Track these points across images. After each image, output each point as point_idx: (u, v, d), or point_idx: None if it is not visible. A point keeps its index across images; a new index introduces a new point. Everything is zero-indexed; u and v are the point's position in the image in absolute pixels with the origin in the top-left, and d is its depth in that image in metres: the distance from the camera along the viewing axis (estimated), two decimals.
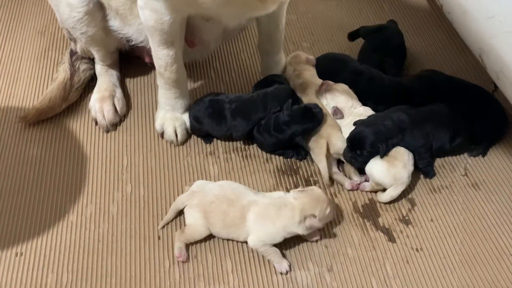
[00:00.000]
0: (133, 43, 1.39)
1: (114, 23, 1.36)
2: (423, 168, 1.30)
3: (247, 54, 1.65)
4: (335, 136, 1.28)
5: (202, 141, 1.38)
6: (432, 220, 1.23)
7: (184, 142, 1.38)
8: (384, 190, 1.25)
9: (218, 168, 1.33)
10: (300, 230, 1.11)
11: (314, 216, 1.11)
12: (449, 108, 1.33)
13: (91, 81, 1.52)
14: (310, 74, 1.41)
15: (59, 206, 1.24)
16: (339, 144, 1.27)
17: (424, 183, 1.30)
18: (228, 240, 1.17)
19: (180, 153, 1.37)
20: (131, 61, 1.57)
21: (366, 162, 1.25)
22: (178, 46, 1.24)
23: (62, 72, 1.48)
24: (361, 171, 1.29)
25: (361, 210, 1.24)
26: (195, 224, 1.15)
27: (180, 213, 1.20)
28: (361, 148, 1.24)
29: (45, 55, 1.63)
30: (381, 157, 1.24)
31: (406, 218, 1.23)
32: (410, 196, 1.27)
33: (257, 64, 1.60)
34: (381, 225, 1.21)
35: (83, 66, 1.51)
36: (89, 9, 1.30)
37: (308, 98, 1.35)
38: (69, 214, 1.23)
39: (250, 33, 1.70)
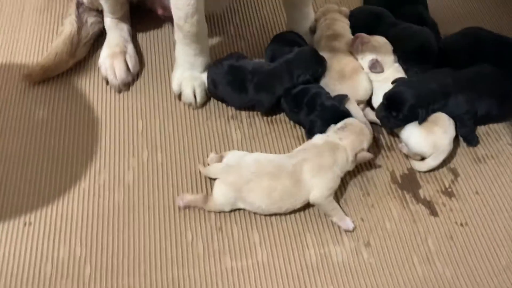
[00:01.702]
0: None
1: None
2: (465, 136, 1.18)
3: (270, 9, 1.50)
4: (360, 78, 1.18)
5: (223, 104, 1.27)
6: (477, 193, 1.12)
7: (203, 104, 1.26)
8: (423, 158, 1.14)
9: (241, 134, 1.22)
10: (351, 167, 1.09)
11: (364, 149, 1.09)
12: (496, 69, 1.20)
13: (101, 36, 1.39)
14: (342, 26, 1.28)
15: (69, 172, 1.14)
16: (364, 85, 1.18)
17: (468, 152, 1.19)
18: (271, 215, 1.07)
19: (199, 116, 1.25)
20: (143, 14, 1.43)
21: (399, 125, 1.15)
22: None
23: (69, 25, 1.34)
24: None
25: (400, 181, 1.14)
26: (224, 202, 1.05)
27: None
28: (398, 109, 1.12)
29: (49, 7, 1.49)
30: (420, 123, 1.13)
31: (449, 190, 1.12)
32: (452, 166, 1.16)
33: (281, 20, 1.46)
34: (422, 197, 1.11)
35: (91, 19, 1.37)
36: None
37: (336, 52, 1.23)
38: (81, 181, 1.12)
39: None
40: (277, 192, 1.04)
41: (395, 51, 1.22)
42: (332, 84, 1.21)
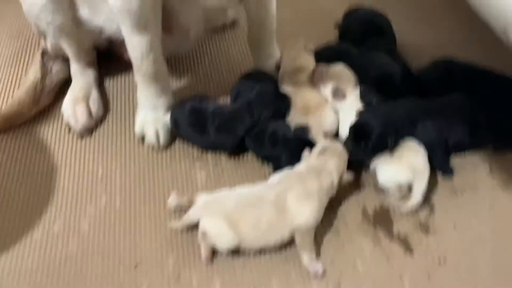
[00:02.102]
0: (106, 34, 1.23)
1: (84, 11, 1.22)
2: (438, 166, 1.12)
3: (238, 49, 1.49)
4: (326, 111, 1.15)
5: (188, 144, 1.22)
6: (455, 227, 1.05)
7: (167, 145, 1.22)
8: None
9: (206, 173, 1.16)
10: (334, 191, 1.05)
11: (345, 171, 1.07)
12: (468, 97, 1.16)
13: (66, 83, 1.36)
14: (306, 59, 1.26)
15: (22, 222, 1.08)
16: (330, 118, 1.14)
17: (443, 184, 1.12)
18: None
19: (163, 158, 1.20)
20: (111, 61, 1.42)
21: (368, 156, 1.10)
22: (154, 32, 1.09)
23: (32, 74, 1.32)
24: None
25: (372, 217, 1.07)
26: (219, 232, 0.98)
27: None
28: (366, 139, 1.07)
29: (17, 59, 1.48)
30: (389, 148, 1.08)
31: (425, 225, 1.05)
32: (428, 199, 1.10)
33: (249, 60, 1.44)
34: (396, 234, 1.04)
35: (56, 66, 1.36)
36: None
37: (300, 87, 1.20)
38: (33, 230, 1.06)
39: (242, 29, 1.55)
40: (263, 223, 0.98)
41: (357, 79, 1.19)
42: (297, 119, 1.17)
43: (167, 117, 1.21)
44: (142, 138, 1.23)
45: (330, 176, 1.03)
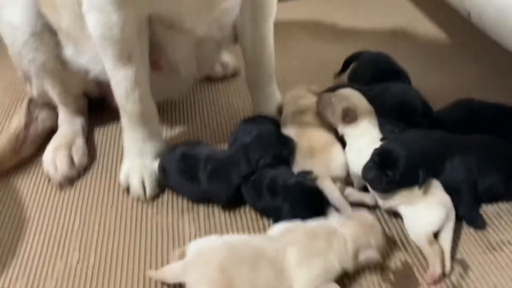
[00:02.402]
0: (92, 76, 1.14)
1: (68, 50, 1.14)
2: (466, 215, 0.95)
3: (239, 98, 1.39)
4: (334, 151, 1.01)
5: (178, 195, 1.08)
6: None
7: (154, 196, 1.08)
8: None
9: (196, 227, 1.01)
10: (352, 267, 0.86)
11: (370, 247, 0.86)
12: (502, 139, 1.02)
13: (53, 132, 1.27)
14: (310, 100, 1.13)
15: None
16: (339, 160, 1.00)
17: (477, 239, 0.94)
18: None
19: (148, 210, 1.06)
20: (102, 110, 1.34)
21: (394, 187, 0.93)
22: (139, 64, 0.99)
23: (16, 121, 1.23)
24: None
25: (393, 278, 0.88)
26: None
27: None
28: (393, 167, 0.92)
29: (7, 113, 1.41)
30: (420, 186, 0.91)
31: (458, 287, 0.86)
32: (459, 256, 0.91)
33: (250, 109, 1.33)
34: None
35: (42, 114, 1.27)
36: (35, 30, 1.09)
37: (305, 128, 1.08)
38: None
39: (243, 79, 1.46)
40: (260, 283, 0.80)
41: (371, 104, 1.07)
42: (302, 162, 1.03)
43: (155, 165, 1.09)
44: (128, 189, 1.09)
45: (344, 241, 0.85)
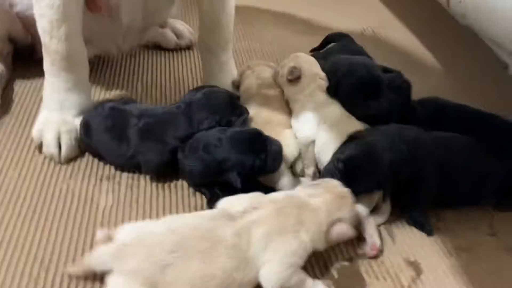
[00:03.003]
0: (18, 9, 0.97)
1: None
2: (415, 221, 0.85)
3: (189, 72, 1.25)
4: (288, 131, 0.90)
5: (100, 162, 0.92)
6: None
7: (71, 158, 0.91)
8: None
9: (115, 198, 0.85)
10: (323, 245, 0.73)
11: (341, 220, 0.73)
12: (475, 139, 0.92)
13: None
14: (270, 73, 1.03)
15: None
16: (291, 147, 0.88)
17: (434, 243, 0.84)
18: None
19: (60, 173, 0.89)
20: (31, 60, 1.16)
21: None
22: None
23: None
24: None
25: (336, 276, 0.75)
26: None
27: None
28: (356, 183, 0.79)
29: None
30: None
31: None
32: (412, 259, 0.80)
33: (201, 82, 1.20)
34: None
35: None
36: None
37: (268, 100, 0.97)
38: None
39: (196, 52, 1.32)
40: (215, 282, 0.64)
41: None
42: None
43: (77, 121, 0.92)
44: (40, 146, 0.92)
45: (316, 214, 0.72)
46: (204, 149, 0.82)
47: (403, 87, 0.97)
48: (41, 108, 0.95)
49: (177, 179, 0.90)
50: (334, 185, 0.77)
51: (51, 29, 0.85)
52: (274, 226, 0.69)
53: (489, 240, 0.85)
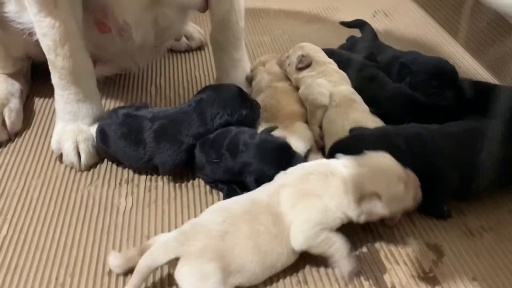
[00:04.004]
0: (35, 38, 1.00)
1: (10, 7, 0.99)
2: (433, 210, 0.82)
3: (202, 71, 1.26)
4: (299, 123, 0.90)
5: (119, 166, 0.94)
6: (475, 279, 0.73)
7: (90, 165, 0.94)
8: None
9: (134, 200, 0.87)
10: (355, 215, 0.71)
11: (378, 196, 0.70)
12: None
13: None
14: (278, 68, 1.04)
15: None
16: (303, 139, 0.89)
17: (455, 223, 0.82)
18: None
19: (81, 181, 0.92)
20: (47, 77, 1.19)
21: None
22: (69, 13, 0.85)
23: None
24: None
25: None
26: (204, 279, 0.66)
27: None
28: None
29: None
30: None
31: (431, 275, 0.73)
32: (433, 242, 0.79)
33: (213, 81, 1.21)
34: (390, 287, 0.72)
35: None
36: None
37: (279, 92, 0.98)
38: None
39: (207, 51, 1.33)
40: (262, 237, 0.69)
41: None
42: (262, 125, 0.92)
43: (93, 129, 0.95)
44: (61, 156, 0.95)
45: (343, 182, 0.71)
46: (227, 148, 0.83)
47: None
48: (56, 120, 0.98)
49: (194, 179, 0.91)
50: (380, 160, 0.74)
51: (55, 47, 0.87)
52: (298, 189, 0.72)
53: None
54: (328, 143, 0.87)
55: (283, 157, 0.81)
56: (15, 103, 1.07)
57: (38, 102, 1.15)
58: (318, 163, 0.77)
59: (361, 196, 0.70)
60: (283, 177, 0.76)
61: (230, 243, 0.68)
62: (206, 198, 0.88)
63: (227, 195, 0.83)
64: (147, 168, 0.91)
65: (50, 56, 0.89)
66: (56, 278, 0.73)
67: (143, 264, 0.68)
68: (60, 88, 0.93)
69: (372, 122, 0.88)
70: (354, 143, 0.81)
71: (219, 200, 0.87)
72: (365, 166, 0.73)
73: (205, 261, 0.66)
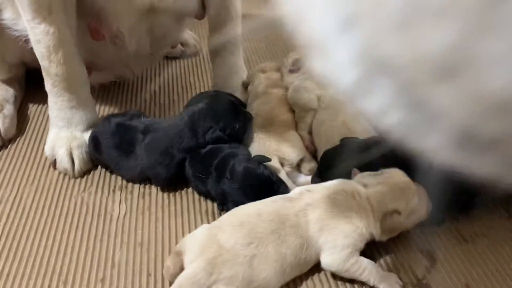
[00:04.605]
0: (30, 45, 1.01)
1: (7, 14, 1.00)
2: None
3: (197, 77, 1.27)
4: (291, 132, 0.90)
5: (112, 173, 0.94)
6: (468, 285, 0.73)
7: (84, 171, 0.94)
8: None
9: (127, 207, 0.87)
10: (379, 234, 0.72)
11: (398, 212, 0.71)
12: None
13: None
14: (278, 75, 1.05)
15: None
16: (295, 148, 0.88)
17: (446, 230, 0.83)
18: None
19: (74, 187, 0.92)
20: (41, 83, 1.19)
21: None
22: (63, 20, 0.85)
23: None
24: None
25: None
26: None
27: None
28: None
29: None
30: None
31: (424, 282, 0.74)
32: (426, 247, 0.79)
33: (210, 87, 1.21)
34: None
35: None
36: None
37: (273, 99, 0.98)
38: None
39: (205, 60, 1.34)
40: (289, 260, 0.69)
41: None
42: (255, 131, 0.92)
43: (86, 136, 0.95)
44: (55, 163, 0.95)
45: (367, 202, 0.71)
46: (216, 167, 0.84)
47: None
48: (50, 126, 0.98)
49: (187, 186, 0.91)
50: (395, 176, 0.74)
51: (49, 54, 0.87)
52: (327, 210, 0.71)
53: (506, 224, 0.84)
54: (318, 145, 0.88)
55: (265, 193, 0.78)
56: (9, 109, 1.07)
57: (32, 109, 1.15)
58: (339, 183, 0.76)
59: (384, 215, 0.71)
60: (307, 195, 0.74)
61: (258, 268, 0.67)
62: (200, 205, 0.88)
63: (221, 204, 0.84)
64: (140, 179, 0.91)
65: (43, 63, 0.89)
66: (49, 286, 0.73)
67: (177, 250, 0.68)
68: (54, 95, 0.93)
69: (361, 124, 0.89)
70: (343, 152, 0.81)
71: (213, 207, 0.87)
72: (384, 184, 0.73)
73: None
